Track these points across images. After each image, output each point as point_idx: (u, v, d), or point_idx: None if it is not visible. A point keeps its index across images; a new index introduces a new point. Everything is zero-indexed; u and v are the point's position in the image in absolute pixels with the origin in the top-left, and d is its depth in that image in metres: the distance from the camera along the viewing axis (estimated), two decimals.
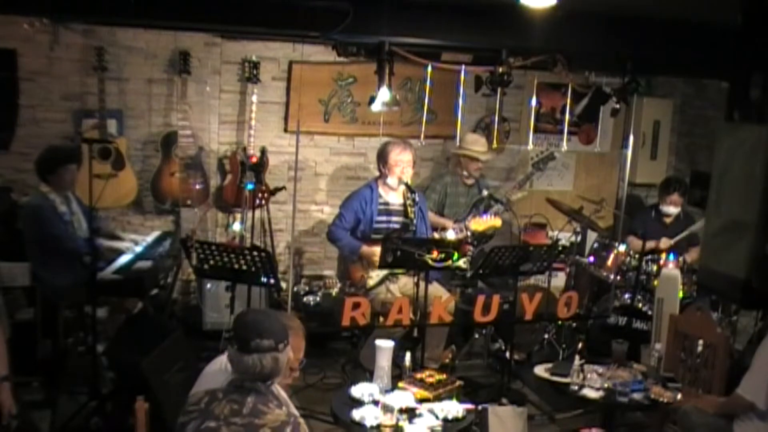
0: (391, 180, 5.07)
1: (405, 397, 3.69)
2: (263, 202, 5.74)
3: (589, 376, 4.19)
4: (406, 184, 5.10)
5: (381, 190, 5.17)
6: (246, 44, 6.00)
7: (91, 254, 4.30)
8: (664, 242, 5.62)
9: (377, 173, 5.27)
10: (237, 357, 2.38)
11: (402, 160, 5.05)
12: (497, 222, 5.37)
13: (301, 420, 2.43)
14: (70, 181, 4.67)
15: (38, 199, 4.62)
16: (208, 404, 2.37)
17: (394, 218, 5.16)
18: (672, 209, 5.80)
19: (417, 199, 5.13)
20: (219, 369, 2.75)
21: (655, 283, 5.21)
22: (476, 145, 5.79)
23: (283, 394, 2.51)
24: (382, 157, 5.10)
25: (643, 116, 6.93)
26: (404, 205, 5.17)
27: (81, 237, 4.65)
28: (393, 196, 5.18)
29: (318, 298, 5.85)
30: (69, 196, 4.75)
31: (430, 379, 3.92)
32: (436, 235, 5.15)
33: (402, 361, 4.05)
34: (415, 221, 5.11)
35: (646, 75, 6.67)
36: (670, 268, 5.16)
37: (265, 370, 2.37)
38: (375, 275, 5.02)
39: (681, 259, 5.35)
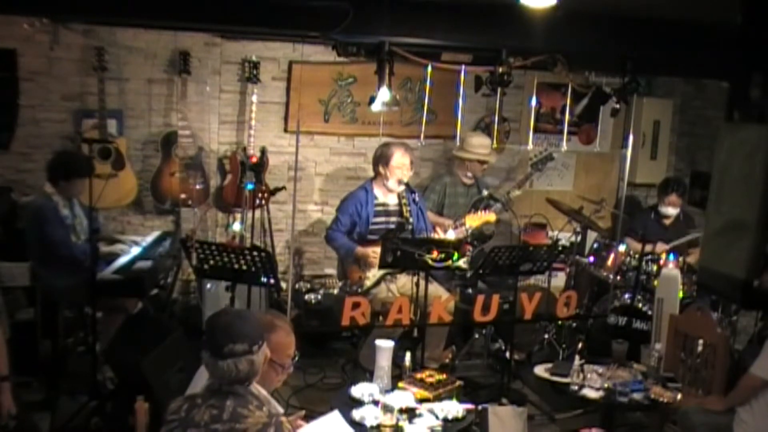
0: (392, 183, 5.07)
1: (405, 397, 3.69)
2: (263, 202, 5.75)
3: (589, 376, 4.20)
4: (407, 184, 5.11)
5: (377, 191, 5.17)
6: (246, 44, 6.00)
7: (89, 259, 4.30)
8: (660, 247, 5.61)
9: (372, 174, 5.28)
10: (212, 362, 2.33)
11: (405, 164, 5.07)
12: (491, 216, 5.37)
13: (284, 418, 2.40)
14: (80, 191, 4.67)
15: (41, 200, 4.62)
16: (188, 411, 2.34)
17: (392, 219, 5.16)
18: (671, 210, 5.80)
19: (416, 198, 5.14)
20: None
21: (655, 283, 5.21)
22: (482, 147, 5.81)
23: (263, 392, 2.47)
24: (384, 158, 5.10)
25: (643, 116, 6.93)
26: (400, 204, 5.17)
27: (82, 241, 4.65)
28: (390, 196, 5.19)
29: (319, 296, 5.85)
30: (72, 198, 4.75)
31: (430, 379, 3.93)
32: (436, 235, 5.15)
33: (402, 361, 4.05)
34: (411, 220, 5.12)
35: (646, 75, 6.67)
36: (670, 268, 5.16)
37: (241, 374, 2.33)
38: (372, 275, 5.03)
39: (681, 259, 5.36)
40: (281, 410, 2.52)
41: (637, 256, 5.45)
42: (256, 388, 2.42)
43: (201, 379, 2.81)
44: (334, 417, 3.22)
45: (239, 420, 2.30)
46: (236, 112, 6.13)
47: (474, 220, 5.30)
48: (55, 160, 4.70)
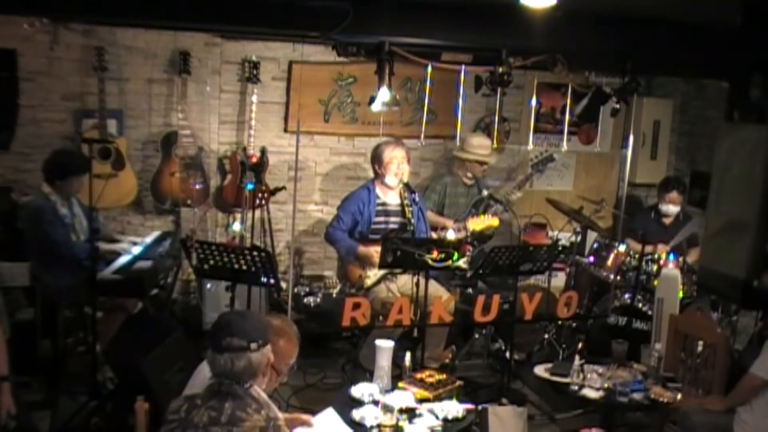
0: (390, 179, 5.08)
1: (405, 397, 3.69)
2: (263, 202, 5.75)
3: (589, 376, 4.19)
4: (406, 184, 5.11)
5: (378, 191, 5.17)
6: (246, 44, 6.00)
7: (89, 258, 4.30)
8: (661, 248, 5.60)
9: (373, 175, 5.28)
10: (212, 357, 2.39)
11: (396, 156, 5.07)
12: (495, 221, 5.38)
13: (282, 422, 2.41)
14: (77, 189, 4.68)
15: (39, 200, 4.61)
16: (187, 412, 2.35)
17: (392, 219, 5.17)
18: (671, 208, 5.79)
19: (416, 198, 5.14)
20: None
21: (655, 283, 5.21)
22: (482, 148, 5.81)
23: (263, 396, 2.46)
24: (377, 157, 5.13)
25: (643, 116, 6.92)
26: (401, 205, 5.17)
27: (81, 240, 4.65)
28: (391, 196, 5.19)
29: (318, 299, 5.85)
30: (71, 197, 4.75)
31: (430, 379, 3.92)
32: (434, 235, 5.15)
33: (402, 361, 4.05)
34: (413, 221, 5.12)
35: (646, 75, 6.67)
36: (670, 268, 5.16)
37: (236, 369, 2.35)
38: (372, 275, 5.03)
39: (681, 259, 5.36)
40: (280, 415, 2.51)
41: (637, 256, 5.45)
42: (256, 390, 2.42)
43: (197, 378, 2.83)
44: (329, 414, 3.23)
45: (237, 423, 2.30)
46: (236, 112, 6.13)
47: (477, 224, 5.30)
48: (49, 159, 4.71)
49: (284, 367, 2.76)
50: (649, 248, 5.48)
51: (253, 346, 2.38)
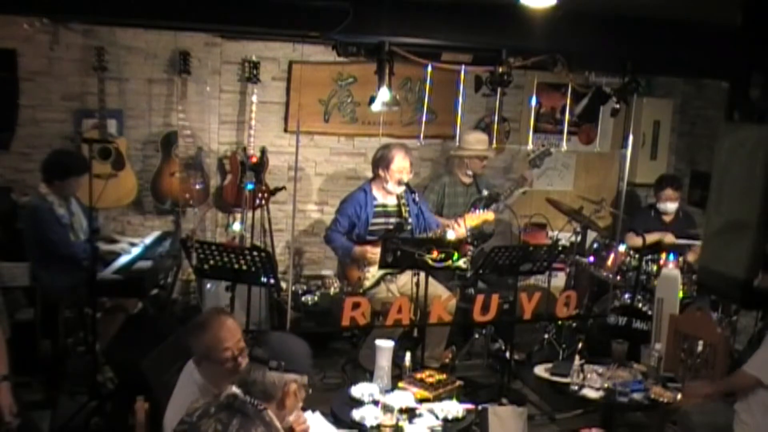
0: (392, 185, 5.07)
1: (405, 397, 3.70)
2: (263, 202, 5.75)
3: (589, 376, 4.19)
4: (406, 184, 5.11)
5: (376, 192, 5.16)
6: (246, 44, 6.00)
7: (89, 258, 4.29)
8: (669, 238, 5.60)
9: (371, 175, 5.28)
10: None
11: (405, 167, 5.06)
12: (489, 215, 5.37)
13: None
14: (76, 189, 4.67)
15: (36, 201, 4.61)
16: (199, 418, 2.35)
17: (391, 219, 5.16)
18: (669, 206, 5.79)
19: (416, 198, 5.14)
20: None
21: (655, 283, 5.21)
22: (480, 143, 5.81)
23: (276, 423, 2.40)
24: (384, 161, 5.08)
25: (643, 116, 6.93)
26: (398, 205, 5.17)
27: (81, 239, 4.64)
28: (388, 197, 5.18)
29: (316, 298, 5.85)
30: (69, 197, 4.74)
31: (430, 379, 3.93)
32: (432, 235, 5.15)
33: (402, 361, 4.05)
34: (410, 220, 5.12)
35: (646, 75, 6.67)
36: (670, 268, 5.16)
37: (250, 379, 2.37)
38: (371, 275, 5.02)
39: (681, 259, 5.36)
40: None
41: (637, 256, 5.45)
42: (270, 415, 2.38)
43: (190, 380, 2.82)
44: (316, 418, 3.20)
45: None
46: (236, 112, 6.13)
47: (473, 220, 5.31)
48: (49, 159, 4.70)
49: (223, 353, 2.82)
50: (655, 235, 5.48)
51: (272, 363, 2.37)
